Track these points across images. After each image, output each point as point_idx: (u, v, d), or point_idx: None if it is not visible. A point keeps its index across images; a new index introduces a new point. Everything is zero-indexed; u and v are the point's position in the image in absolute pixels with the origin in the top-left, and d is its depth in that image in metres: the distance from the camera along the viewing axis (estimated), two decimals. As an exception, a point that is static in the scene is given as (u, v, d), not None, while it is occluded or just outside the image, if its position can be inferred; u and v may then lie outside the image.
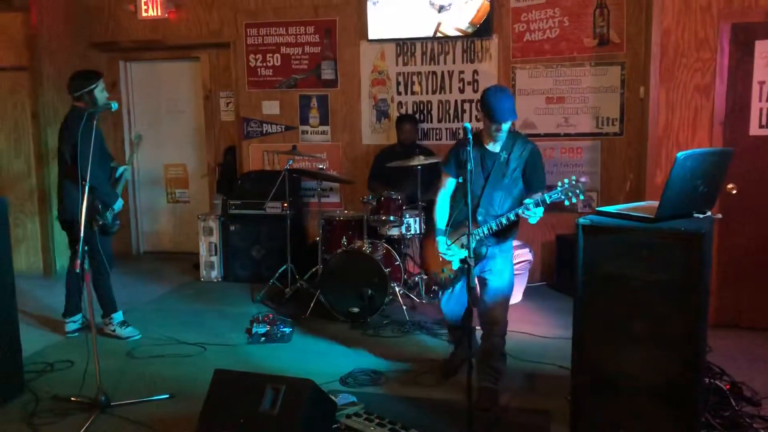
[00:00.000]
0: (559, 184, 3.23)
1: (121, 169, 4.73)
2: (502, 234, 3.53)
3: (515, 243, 5.47)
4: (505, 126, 3.40)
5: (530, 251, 5.52)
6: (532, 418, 3.43)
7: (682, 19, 4.66)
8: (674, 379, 2.56)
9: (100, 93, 4.53)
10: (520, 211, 3.33)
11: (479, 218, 3.48)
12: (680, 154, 2.50)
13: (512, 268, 3.69)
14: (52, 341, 4.67)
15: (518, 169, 3.48)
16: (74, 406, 3.55)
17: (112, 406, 3.51)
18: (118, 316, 4.75)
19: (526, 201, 3.29)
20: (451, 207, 3.69)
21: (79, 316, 4.75)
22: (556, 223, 5.97)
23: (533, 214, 3.27)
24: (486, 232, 3.45)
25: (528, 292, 5.64)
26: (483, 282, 3.64)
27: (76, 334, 4.72)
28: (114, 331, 4.72)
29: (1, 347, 3.63)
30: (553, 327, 4.80)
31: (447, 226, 3.68)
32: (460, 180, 3.55)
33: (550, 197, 3.23)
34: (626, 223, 2.66)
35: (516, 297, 5.51)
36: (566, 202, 3.21)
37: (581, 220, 2.71)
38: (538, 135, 6.01)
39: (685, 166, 2.54)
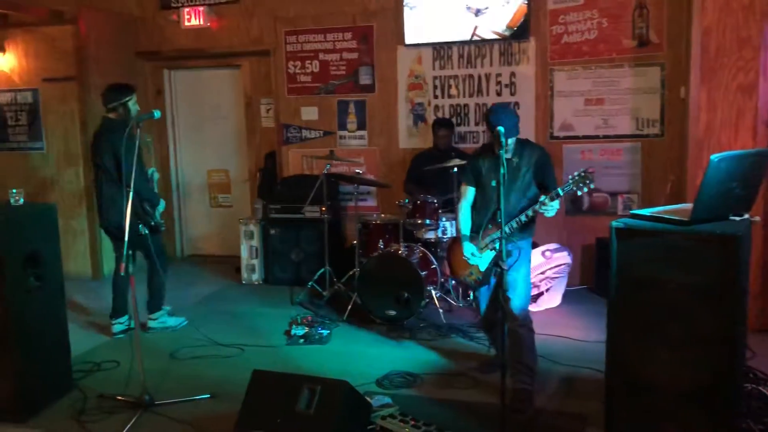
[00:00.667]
0: (570, 177, 3.43)
1: (150, 171, 4.93)
2: (522, 232, 3.69)
3: (553, 246, 5.47)
4: (510, 141, 3.57)
5: (569, 254, 5.47)
6: (568, 421, 3.42)
7: (723, 18, 4.57)
8: (710, 383, 2.53)
9: (133, 105, 4.76)
10: (537, 206, 3.52)
11: (499, 221, 3.57)
12: (714, 157, 2.47)
13: (529, 262, 3.84)
14: (100, 342, 4.83)
15: (529, 172, 3.66)
16: (120, 405, 3.68)
17: (155, 405, 3.62)
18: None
19: (542, 198, 3.51)
20: (472, 214, 3.89)
21: (125, 318, 4.91)
22: (596, 226, 5.91)
23: (550, 208, 3.48)
24: (508, 231, 3.56)
25: (567, 296, 5.59)
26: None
27: (123, 335, 4.88)
28: (158, 324, 5.02)
29: (51, 347, 3.79)
30: (592, 331, 4.75)
31: (471, 231, 3.85)
32: (493, 184, 3.63)
33: (563, 190, 3.45)
34: (660, 226, 2.64)
35: (555, 300, 5.48)
36: (578, 192, 3.42)
37: (615, 223, 2.70)
38: (577, 137, 5.98)
39: (719, 168, 2.51)
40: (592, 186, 3.36)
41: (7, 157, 6.84)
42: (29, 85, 6.67)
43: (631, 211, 2.86)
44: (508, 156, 3.62)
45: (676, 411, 2.61)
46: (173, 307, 5.31)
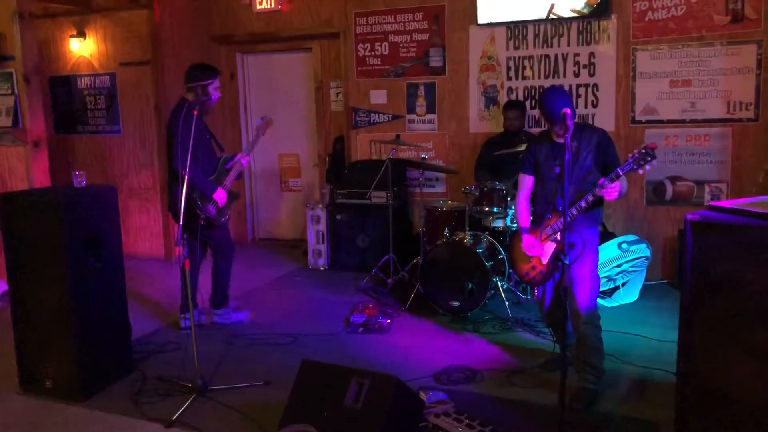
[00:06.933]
0: (630, 155, 3.14)
1: (228, 159, 4.59)
2: (585, 220, 3.45)
3: (631, 238, 5.14)
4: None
5: (648, 247, 5.12)
6: (637, 428, 3.16)
7: (831, -12, 4.11)
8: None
9: (214, 90, 4.43)
10: (596, 190, 3.25)
11: (559, 209, 3.44)
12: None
13: (596, 254, 3.57)
14: (165, 323, 4.89)
15: (590, 156, 3.43)
16: (175, 388, 3.69)
17: (209, 390, 3.61)
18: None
19: (601, 180, 3.24)
20: (531, 204, 3.73)
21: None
22: (679, 218, 5.53)
23: (612, 189, 3.21)
24: (573, 215, 3.34)
25: (645, 291, 5.25)
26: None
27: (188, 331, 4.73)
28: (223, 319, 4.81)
29: (111, 328, 3.83)
30: (669, 329, 4.41)
31: (531, 223, 3.69)
32: (557, 171, 3.39)
33: (623, 169, 3.16)
34: (743, 220, 2.34)
35: (632, 295, 5.15)
36: (639, 171, 3.13)
37: (690, 216, 2.42)
38: (660, 121, 5.58)
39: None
40: (654, 163, 3.10)
41: (87, 140, 7.07)
42: (107, 70, 6.84)
43: (710, 203, 2.56)
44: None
45: (754, 425, 2.33)
46: (240, 298, 5.26)
